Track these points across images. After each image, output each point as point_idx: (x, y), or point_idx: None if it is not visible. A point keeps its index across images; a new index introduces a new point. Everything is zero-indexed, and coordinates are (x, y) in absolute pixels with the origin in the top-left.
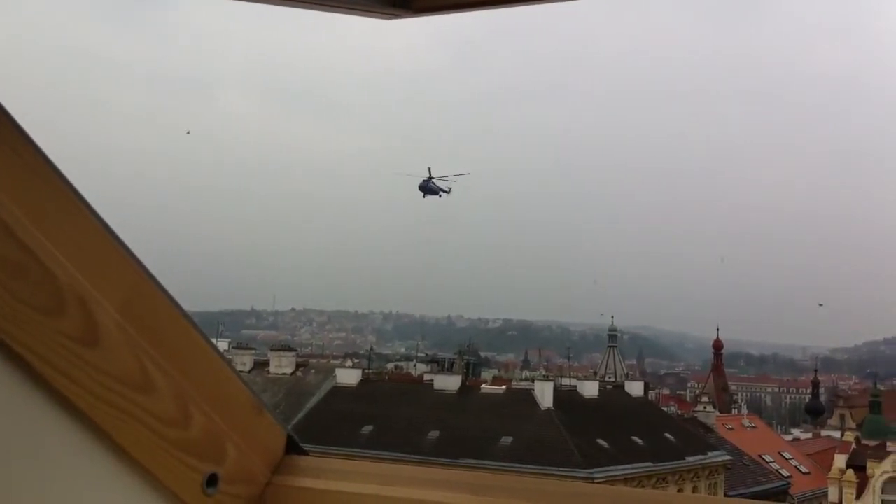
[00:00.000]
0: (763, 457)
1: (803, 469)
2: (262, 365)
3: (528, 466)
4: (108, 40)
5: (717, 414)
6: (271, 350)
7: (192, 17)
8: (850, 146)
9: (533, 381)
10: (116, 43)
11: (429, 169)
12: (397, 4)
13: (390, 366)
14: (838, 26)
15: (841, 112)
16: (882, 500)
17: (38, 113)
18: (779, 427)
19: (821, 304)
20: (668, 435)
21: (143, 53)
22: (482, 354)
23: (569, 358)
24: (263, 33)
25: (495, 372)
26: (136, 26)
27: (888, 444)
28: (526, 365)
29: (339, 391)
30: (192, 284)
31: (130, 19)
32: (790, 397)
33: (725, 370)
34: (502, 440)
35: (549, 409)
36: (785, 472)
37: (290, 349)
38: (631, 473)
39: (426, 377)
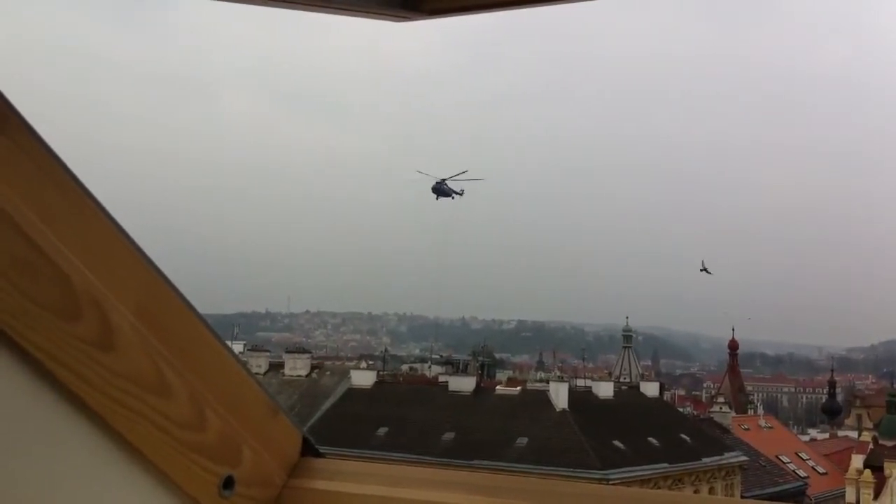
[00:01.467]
0: (780, 457)
1: (820, 469)
2: (277, 367)
3: (544, 468)
4: (109, 41)
5: (733, 414)
6: (286, 352)
7: (195, 17)
8: (865, 145)
9: (548, 382)
10: (117, 43)
11: (445, 180)
12: (407, 7)
13: (405, 367)
14: (839, 25)
15: (856, 111)
16: None
17: (39, 113)
18: (795, 427)
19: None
20: (683, 436)
21: (149, 54)
22: (496, 356)
23: (583, 359)
24: (268, 35)
25: (510, 373)
26: (137, 27)
27: None
28: (540, 366)
29: (353, 393)
30: (207, 287)
31: (131, 20)
32: (806, 397)
33: (741, 370)
34: (517, 441)
35: (564, 411)
36: (802, 473)
37: (304, 351)
38: (647, 475)
39: (441, 379)
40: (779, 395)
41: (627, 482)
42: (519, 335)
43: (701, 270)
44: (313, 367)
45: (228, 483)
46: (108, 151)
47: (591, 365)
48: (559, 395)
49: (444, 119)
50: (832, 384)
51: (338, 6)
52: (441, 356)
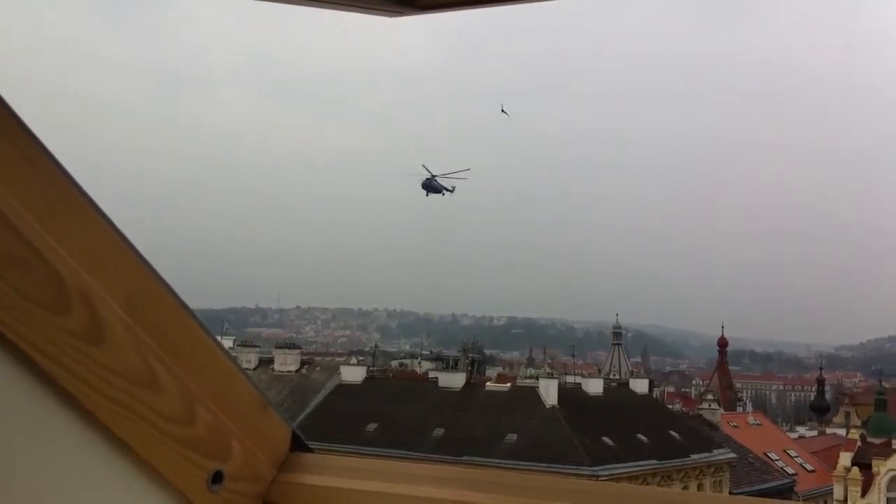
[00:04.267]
0: (768, 454)
1: (808, 467)
2: (266, 362)
3: (533, 464)
4: (109, 38)
5: (722, 412)
6: (276, 348)
7: (192, 14)
8: (858, 143)
9: (537, 378)
10: (113, 40)
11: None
12: (400, 2)
13: (395, 363)
14: (838, 24)
15: (842, 110)
16: (888, 498)
17: (38, 111)
18: (784, 425)
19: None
20: (672, 433)
21: (144, 51)
22: (487, 352)
23: (573, 355)
24: (263, 31)
25: (500, 369)
26: (134, 23)
27: (894, 441)
28: (530, 362)
29: (343, 389)
30: (197, 282)
31: (128, 16)
32: (795, 395)
33: (730, 368)
34: (507, 438)
35: (553, 407)
36: (790, 470)
37: (294, 347)
38: (636, 471)
39: (431, 375)
40: (768, 393)
41: (616, 478)
42: (509, 332)
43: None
44: (303, 363)
45: (217, 477)
46: (101, 147)
47: (580, 362)
48: (549, 392)
49: (435, 115)
50: (821, 382)
51: (332, 1)
52: (431, 352)
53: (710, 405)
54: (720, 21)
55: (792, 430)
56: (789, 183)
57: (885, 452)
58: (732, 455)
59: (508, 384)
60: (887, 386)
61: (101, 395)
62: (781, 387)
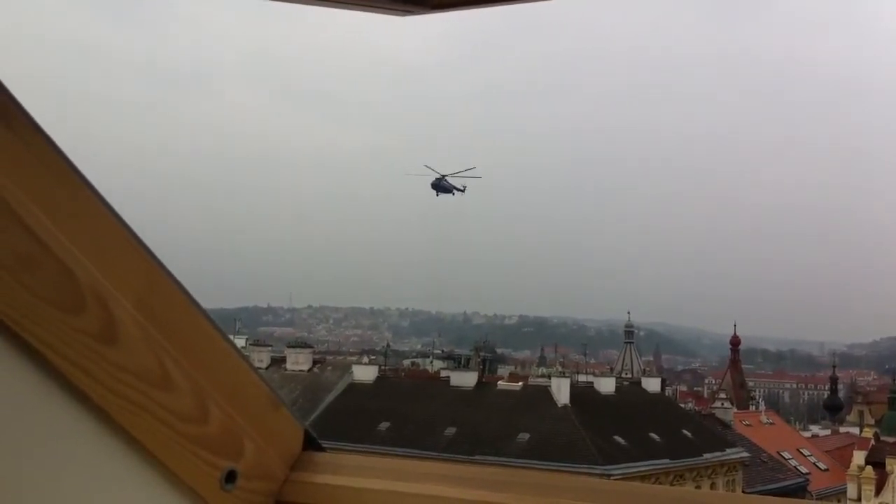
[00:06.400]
0: (781, 453)
1: (822, 466)
2: (279, 361)
3: (545, 463)
4: (110, 36)
5: (735, 410)
6: (288, 347)
7: (196, 12)
8: (865, 141)
9: (549, 377)
10: (115, 36)
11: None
12: (411, 1)
13: (407, 362)
14: (837, 24)
15: (847, 107)
16: None
17: (39, 106)
18: (797, 423)
19: None
20: (685, 431)
21: (148, 49)
22: (498, 351)
23: (585, 354)
24: (269, 30)
25: (511, 368)
26: (135, 20)
27: None
28: (542, 361)
29: (355, 388)
30: (209, 281)
31: (131, 15)
32: (808, 393)
33: (743, 366)
34: (519, 437)
35: (565, 406)
36: (803, 469)
37: (306, 346)
38: (648, 470)
39: (442, 374)
40: (780, 392)
41: (628, 478)
42: (520, 330)
43: None
44: (315, 362)
45: (230, 476)
46: (110, 145)
47: (592, 360)
48: (561, 391)
49: (445, 114)
50: (834, 380)
51: (343, 1)
52: (443, 351)
53: (722, 404)
54: (728, 20)
55: (805, 429)
56: (802, 180)
57: None
58: (745, 454)
59: (520, 383)
60: None
61: (115, 394)
62: (794, 385)
